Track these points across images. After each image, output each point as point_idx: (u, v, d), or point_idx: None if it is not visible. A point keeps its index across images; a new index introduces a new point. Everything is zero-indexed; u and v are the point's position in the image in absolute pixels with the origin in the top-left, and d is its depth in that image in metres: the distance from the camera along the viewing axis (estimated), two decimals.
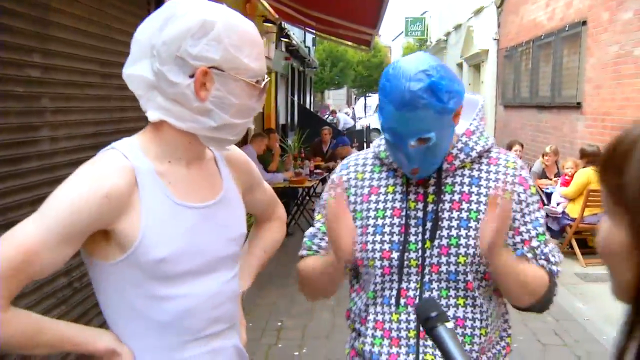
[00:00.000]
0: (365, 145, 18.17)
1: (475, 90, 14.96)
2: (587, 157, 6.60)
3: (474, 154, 1.48)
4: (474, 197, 1.46)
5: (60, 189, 1.14)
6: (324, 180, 9.36)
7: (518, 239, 1.46)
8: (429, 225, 1.45)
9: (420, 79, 1.30)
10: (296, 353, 4.29)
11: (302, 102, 18.34)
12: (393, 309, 1.46)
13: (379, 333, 1.48)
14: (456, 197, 1.46)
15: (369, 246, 1.48)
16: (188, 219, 1.25)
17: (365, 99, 37.31)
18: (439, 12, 22.40)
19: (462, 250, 1.42)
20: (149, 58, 1.20)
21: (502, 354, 1.54)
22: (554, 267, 1.47)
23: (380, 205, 1.50)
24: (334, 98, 40.94)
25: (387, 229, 1.47)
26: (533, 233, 1.47)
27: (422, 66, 1.32)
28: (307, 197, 8.51)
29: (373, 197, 1.52)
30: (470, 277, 1.43)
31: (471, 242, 1.42)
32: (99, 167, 1.18)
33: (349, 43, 12.20)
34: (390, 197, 1.50)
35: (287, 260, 6.69)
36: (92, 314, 3.59)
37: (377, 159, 1.57)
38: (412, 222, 1.46)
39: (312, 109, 20.37)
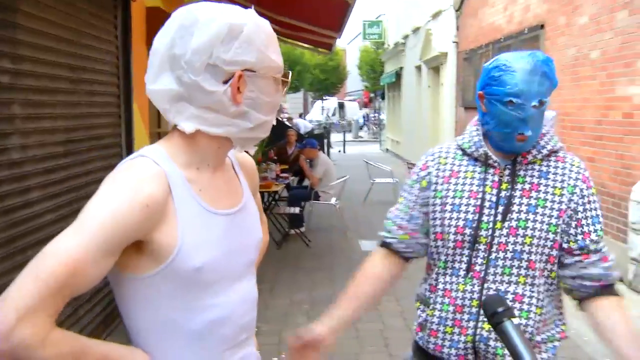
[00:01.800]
0: (326, 147, 18.21)
1: (435, 91, 15.18)
2: None
3: (544, 151, 1.68)
4: (542, 188, 1.66)
5: (97, 198, 1.10)
6: (288, 186, 9.35)
7: (579, 230, 1.64)
8: (500, 208, 1.64)
9: (539, 55, 1.60)
10: (275, 358, 4.25)
11: None
12: (461, 279, 1.67)
13: (446, 300, 1.68)
14: (527, 186, 1.66)
15: (446, 222, 1.69)
16: (219, 226, 1.24)
17: (322, 102, 37.44)
18: (396, 15, 22.64)
19: (529, 232, 1.62)
20: (172, 70, 1.17)
21: (556, 338, 1.70)
22: (616, 274, 1.65)
23: (459, 187, 1.71)
24: (291, 102, 40.92)
25: (463, 208, 1.68)
26: (592, 228, 1.65)
27: (537, 51, 1.63)
28: (274, 202, 8.48)
29: (453, 180, 1.73)
30: (533, 257, 1.62)
31: (537, 225, 1.62)
32: (135, 174, 1.14)
33: (307, 46, 12.22)
34: (468, 181, 1.71)
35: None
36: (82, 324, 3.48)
37: (459, 149, 1.77)
38: (486, 204, 1.66)
39: None
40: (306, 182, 9.19)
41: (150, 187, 1.12)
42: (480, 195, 1.67)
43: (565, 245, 1.65)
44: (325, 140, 18.75)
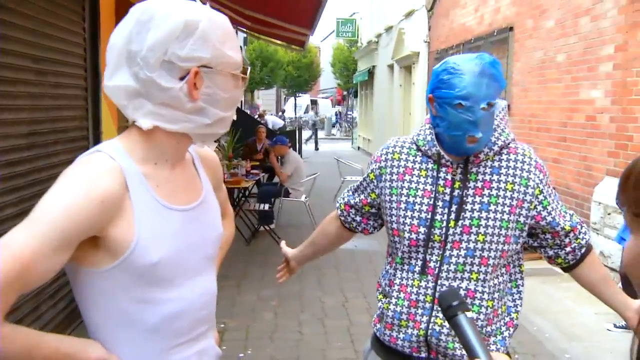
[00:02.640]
0: (297, 145, 18.22)
1: (407, 91, 15.30)
2: None
3: (495, 148, 1.71)
4: (494, 185, 1.69)
5: (51, 194, 1.09)
6: (258, 183, 9.32)
7: (555, 213, 1.72)
8: (454, 207, 1.68)
9: (486, 58, 1.63)
10: (241, 355, 4.25)
11: None
12: (416, 276, 1.72)
13: (402, 295, 1.74)
14: (479, 184, 1.70)
15: (401, 220, 1.74)
16: (176, 221, 1.24)
17: (295, 99, 37.41)
18: (369, 13, 22.74)
19: (482, 230, 1.66)
20: (129, 66, 1.17)
21: (504, 327, 1.76)
22: (589, 236, 1.79)
23: (413, 185, 1.74)
24: (264, 98, 40.80)
25: (417, 207, 1.72)
26: (561, 208, 1.75)
27: (483, 54, 1.66)
28: (244, 198, 8.46)
29: (407, 177, 1.76)
30: (486, 254, 1.67)
31: (490, 223, 1.66)
32: (91, 170, 1.13)
33: (280, 42, 12.19)
34: (422, 179, 1.74)
35: (225, 260, 6.66)
36: (32, 318, 3.43)
37: (414, 144, 1.80)
38: (440, 203, 1.70)
39: (242, 109, 20.23)
40: (276, 179, 9.18)
41: (105, 182, 1.12)
42: (433, 195, 1.71)
43: (552, 229, 1.72)
44: (297, 138, 18.74)
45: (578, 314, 5.19)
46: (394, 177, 1.79)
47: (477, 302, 1.69)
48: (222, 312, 5.02)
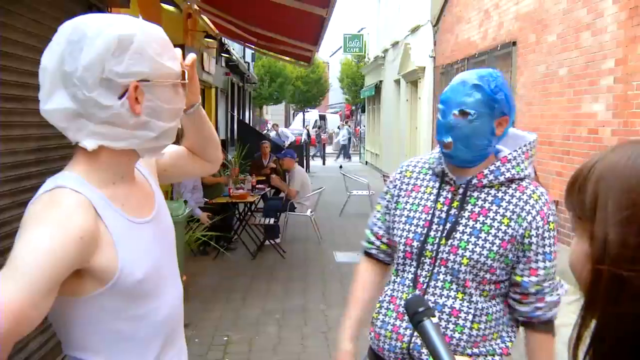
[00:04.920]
0: (304, 159, 18.30)
1: (413, 105, 15.37)
2: None
3: (502, 178, 1.68)
4: (491, 214, 1.67)
5: (27, 240, 1.06)
6: (264, 197, 9.39)
7: (527, 266, 1.67)
8: (448, 225, 1.70)
9: (483, 71, 1.68)
10: None
11: (241, 118, 18.31)
12: (406, 289, 1.75)
13: (391, 306, 1.77)
14: (477, 209, 1.69)
15: (399, 232, 1.78)
16: (144, 234, 1.26)
17: (303, 115, 37.56)
18: (376, 29, 22.91)
19: (467, 254, 1.66)
20: (65, 87, 1.14)
21: (496, 352, 1.71)
22: (548, 314, 1.69)
23: (417, 201, 1.78)
24: (273, 113, 41.00)
25: (414, 221, 1.75)
26: (540, 265, 1.67)
27: (488, 69, 1.71)
28: (250, 213, 8.52)
29: (413, 194, 1.81)
30: (468, 277, 1.66)
31: (477, 249, 1.65)
32: (61, 210, 1.11)
33: (288, 59, 12.32)
34: (425, 196, 1.78)
35: (231, 274, 6.73)
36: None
37: (426, 163, 1.85)
38: (436, 220, 1.72)
39: (251, 124, 20.36)
40: (282, 194, 9.24)
41: (79, 218, 1.11)
42: (431, 211, 1.73)
43: (512, 278, 1.69)
44: (305, 152, 18.85)
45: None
46: (402, 193, 1.84)
47: (460, 322, 1.67)
48: (226, 325, 5.07)
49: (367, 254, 1.98)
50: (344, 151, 28.27)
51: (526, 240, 1.65)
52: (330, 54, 44.94)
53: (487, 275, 1.66)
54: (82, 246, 1.09)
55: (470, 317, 1.66)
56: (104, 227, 1.16)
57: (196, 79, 1.41)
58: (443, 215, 1.71)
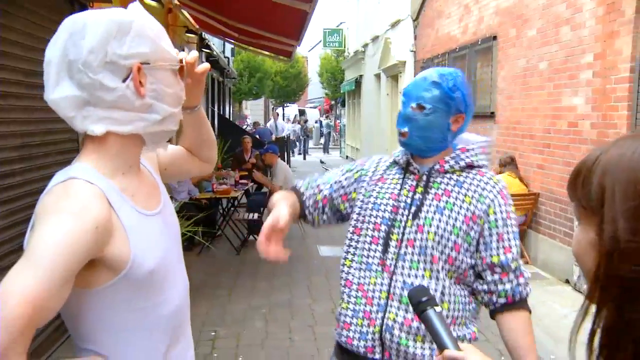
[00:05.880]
0: (286, 154, 18.29)
1: (394, 99, 15.44)
2: (505, 164, 7.23)
3: (462, 163, 1.80)
4: (454, 194, 1.77)
5: (45, 232, 1.08)
6: (247, 192, 9.38)
7: (501, 244, 1.74)
8: (413, 209, 1.77)
9: (446, 70, 1.79)
10: None
11: (222, 113, 18.22)
12: (373, 274, 1.79)
13: (360, 294, 1.80)
14: (440, 191, 1.78)
15: (366, 218, 1.83)
16: (153, 226, 1.28)
17: (283, 110, 37.48)
18: (355, 23, 22.92)
19: (432, 229, 1.73)
20: (70, 77, 1.18)
21: (466, 337, 1.77)
22: (527, 290, 1.77)
23: (383, 190, 1.86)
24: (252, 109, 40.80)
25: (382, 207, 1.82)
26: (512, 243, 1.75)
27: (452, 69, 1.81)
28: (233, 208, 8.50)
29: (379, 184, 1.88)
30: (435, 253, 1.72)
31: (442, 225, 1.73)
32: (76, 201, 1.13)
33: (267, 53, 12.25)
34: (392, 185, 1.86)
35: (215, 270, 6.72)
36: None
37: (392, 158, 1.94)
38: (402, 205, 1.80)
39: (232, 119, 20.27)
40: (265, 189, 9.23)
41: (94, 208, 1.13)
42: (397, 197, 1.82)
43: (487, 260, 1.73)
44: (286, 147, 18.82)
45: (563, 317, 5.28)
46: (371, 181, 1.91)
47: None
48: (213, 320, 5.07)
49: (295, 189, 2.02)
50: (324, 144, 28.35)
51: (491, 217, 1.73)
52: (310, 49, 44.84)
53: (453, 254, 1.72)
54: (97, 236, 1.11)
55: (438, 294, 1.71)
56: (116, 217, 1.18)
57: (203, 81, 1.47)
58: (408, 200, 1.80)
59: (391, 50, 14.93)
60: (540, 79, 6.98)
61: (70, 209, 1.11)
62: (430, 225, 1.73)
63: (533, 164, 7.13)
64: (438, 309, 1.20)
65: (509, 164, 7.20)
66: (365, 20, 20.03)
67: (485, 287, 1.76)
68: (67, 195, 1.14)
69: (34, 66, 3.83)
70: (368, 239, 1.82)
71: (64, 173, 1.20)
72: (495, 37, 8.41)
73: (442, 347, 1.14)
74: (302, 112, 38.72)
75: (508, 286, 1.74)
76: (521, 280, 1.76)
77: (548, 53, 6.75)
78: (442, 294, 1.73)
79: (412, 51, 13.38)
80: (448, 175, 1.80)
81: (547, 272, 6.63)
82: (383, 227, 1.79)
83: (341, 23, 29.86)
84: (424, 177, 1.81)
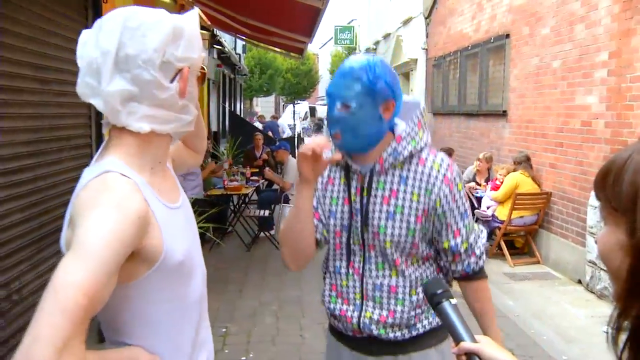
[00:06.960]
0: (297, 151, 18.28)
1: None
2: (519, 162, 7.16)
3: (401, 157, 1.75)
4: (400, 195, 1.75)
5: (90, 226, 1.10)
6: (258, 189, 9.39)
7: (450, 230, 1.78)
8: (364, 214, 1.77)
9: (361, 61, 1.69)
10: (243, 358, 4.31)
11: (232, 109, 18.25)
12: (344, 276, 1.83)
13: (334, 293, 1.87)
14: (386, 193, 1.76)
15: (329, 227, 1.84)
16: (178, 219, 1.32)
17: (293, 106, 37.49)
18: (367, 21, 22.85)
19: (388, 238, 1.74)
20: (124, 71, 1.20)
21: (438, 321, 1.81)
22: (480, 263, 1.83)
23: (334, 195, 1.84)
24: (262, 105, 40.86)
25: (339, 215, 1.82)
26: (460, 224, 1.79)
27: (368, 57, 1.72)
28: (244, 205, 8.52)
29: (329, 187, 1.86)
30: (396, 257, 1.76)
31: (396, 231, 1.74)
32: (117, 194, 1.16)
33: (278, 50, 12.25)
34: (341, 187, 1.83)
35: (226, 266, 6.73)
36: None
37: None
38: (355, 210, 1.79)
39: (242, 116, 20.30)
40: (276, 186, 9.24)
41: (133, 200, 1.16)
42: (350, 202, 1.80)
43: (440, 246, 1.80)
44: (296, 144, 18.82)
45: (575, 317, 5.25)
46: (321, 187, 1.87)
47: (400, 296, 1.78)
48: (224, 316, 5.08)
49: None
50: None
51: (439, 210, 1.75)
52: (321, 46, 44.79)
53: (413, 251, 1.77)
54: (138, 227, 1.14)
55: (407, 289, 1.78)
56: (150, 209, 1.21)
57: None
58: (358, 205, 1.78)
59: (403, 48, 14.88)
60: (554, 77, 6.92)
61: (110, 202, 1.13)
62: (385, 234, 1.75)
63: (545, 163, 7.08)
64: (453, 301, 1.19)
65: (523, 162, 7.14)
66: (377, 17, 19.97)
67: (442, 264, 1.86)
68: (106, 188, 1.16)
69: (48, 61, 3.85)
70: (332, 246, 1.85)
71: (97, 167, 1.22)
72: (508, 35, 8.35)
73: (458, 339, 1.13)
74: (312, 109, 38.69)
75: (460, 267, 1.82)
76: (472, 259, 1.82)
77: (562, 51, 6.70)
78: (410, 287, 1.79)
79: (423, 49, 13.33)
80: (391, 172, 1.76)
81: (558, 271, 6.58)
82: (344, 233, 1.81)
83: (352, 20, 29.77)
84: (367, 179, 1.77)
